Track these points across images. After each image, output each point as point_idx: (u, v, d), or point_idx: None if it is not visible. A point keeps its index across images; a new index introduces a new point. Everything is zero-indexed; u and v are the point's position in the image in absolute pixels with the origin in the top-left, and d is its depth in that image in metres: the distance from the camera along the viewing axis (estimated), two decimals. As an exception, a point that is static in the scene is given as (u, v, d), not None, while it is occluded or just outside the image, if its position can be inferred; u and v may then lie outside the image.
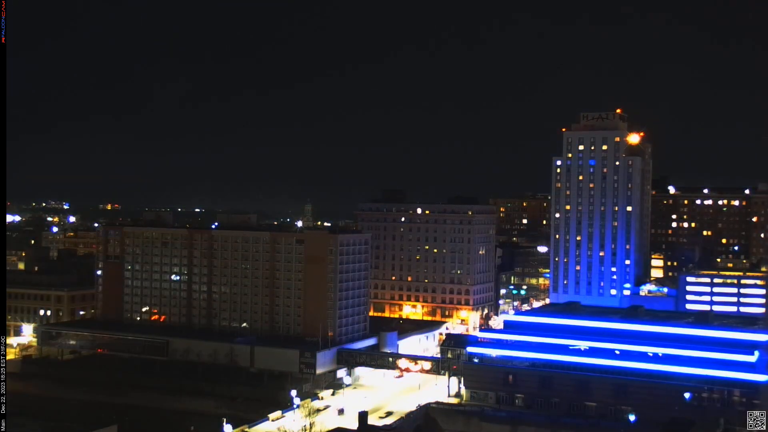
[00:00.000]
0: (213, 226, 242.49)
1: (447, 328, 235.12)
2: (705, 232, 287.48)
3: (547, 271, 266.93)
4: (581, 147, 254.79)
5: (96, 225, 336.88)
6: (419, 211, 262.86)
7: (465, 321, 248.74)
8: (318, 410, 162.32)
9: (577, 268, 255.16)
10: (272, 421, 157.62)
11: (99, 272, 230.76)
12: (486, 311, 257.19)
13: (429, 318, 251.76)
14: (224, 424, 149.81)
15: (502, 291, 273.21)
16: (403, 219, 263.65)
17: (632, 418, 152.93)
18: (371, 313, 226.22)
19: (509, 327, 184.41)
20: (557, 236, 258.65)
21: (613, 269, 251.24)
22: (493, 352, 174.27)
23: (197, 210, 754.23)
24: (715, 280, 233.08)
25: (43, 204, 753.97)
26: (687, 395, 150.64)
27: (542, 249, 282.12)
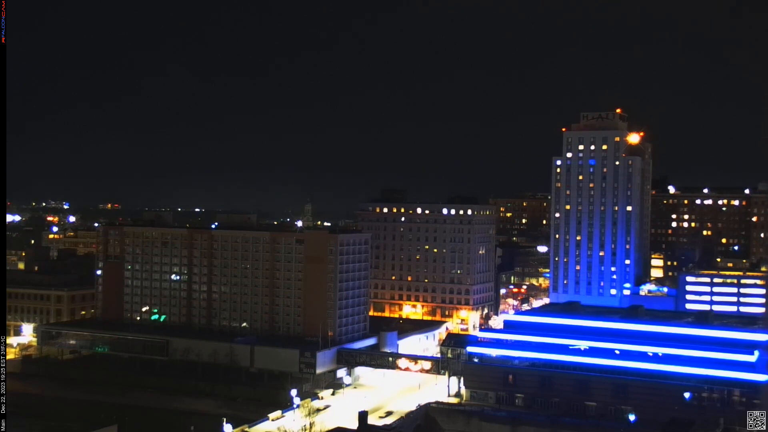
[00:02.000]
0: (213, 226, 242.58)
1: (447, 329, 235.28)
2: (705, 232, 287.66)
3: (547, 271, 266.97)
4: (581, 147, 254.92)
5: (96, 225, 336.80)
6: (419, 210, 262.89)
7: (465, 321, 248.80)
8: (318, 410, 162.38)
9: (577, 267, 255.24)
10: (272, 420, 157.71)
11: (99, 272, 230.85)
12: (486, 311, 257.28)
13: (429, 318, 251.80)
14: (224, 424, 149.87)
15: (502, 291, 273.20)
16: (403, 219, 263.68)
17: (632, 418, 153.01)
18: (371, 313, 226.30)
19: (509, 327, 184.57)
20: (557, 236, 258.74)
21: (613, 269, 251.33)
22: (493, 352, 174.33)
23: (197, 210, 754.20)
24: (715, 280, 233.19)
25: (43, 204, 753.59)
26: (687, 395, 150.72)
27: (542, 249, 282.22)
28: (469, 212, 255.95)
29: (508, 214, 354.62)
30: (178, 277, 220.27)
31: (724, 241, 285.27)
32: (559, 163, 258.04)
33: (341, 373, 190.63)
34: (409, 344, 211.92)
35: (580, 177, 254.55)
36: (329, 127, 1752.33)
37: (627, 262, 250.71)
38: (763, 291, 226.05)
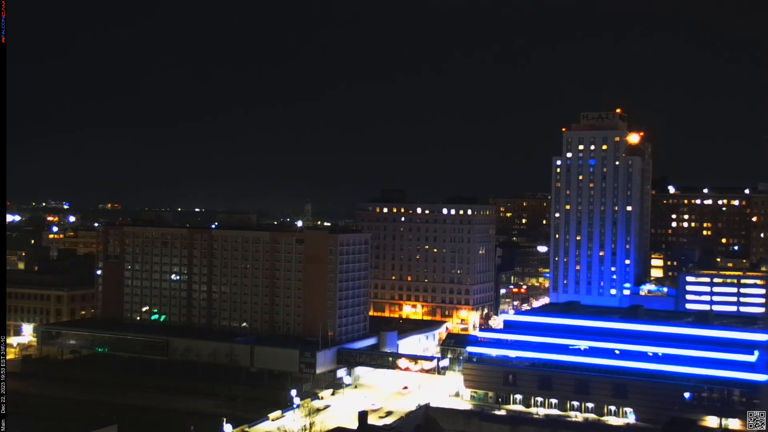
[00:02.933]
0: (213, 226, 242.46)
1: (447, 328, 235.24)
2: (705, 232, 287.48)
3: (547, 271, 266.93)
4: (581, 147, 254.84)
5: (96, 225, 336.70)
6: (419, 211, 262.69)
7: (465, 321, 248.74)
8: (318, 410, 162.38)
9: (577, 267, 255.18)
10: (272, 420, 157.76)
11: (99, 272, 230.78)
12: (486, 311, 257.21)
13: (429, 318, 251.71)
14: (224, 423, 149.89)
15: (502, 291, 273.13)
16: (403, 219, 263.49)
17: (632, 418, 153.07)
18: (371, 313, 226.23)
19: (509, 327, 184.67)
20: (557, 236, 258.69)
21: (613, 269, 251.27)
22: (493, 352, 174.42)
23: (197, 210, 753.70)
24: (715, 280, 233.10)
25: (43, 204, 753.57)
26: (687, 395, 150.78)
27: (542, 249, 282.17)
28: (469, 212, 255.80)
29: (508, 214, 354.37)
30: (178, 277, 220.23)
31: (724, 241, 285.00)
32: (559, 163, 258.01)
33: (341, 373, 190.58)
34: (409, 344, 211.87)
35: (580, 177, 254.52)
36: (330, 145, 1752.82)
37: (627, 262, 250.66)
38: (763, 291, 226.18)
